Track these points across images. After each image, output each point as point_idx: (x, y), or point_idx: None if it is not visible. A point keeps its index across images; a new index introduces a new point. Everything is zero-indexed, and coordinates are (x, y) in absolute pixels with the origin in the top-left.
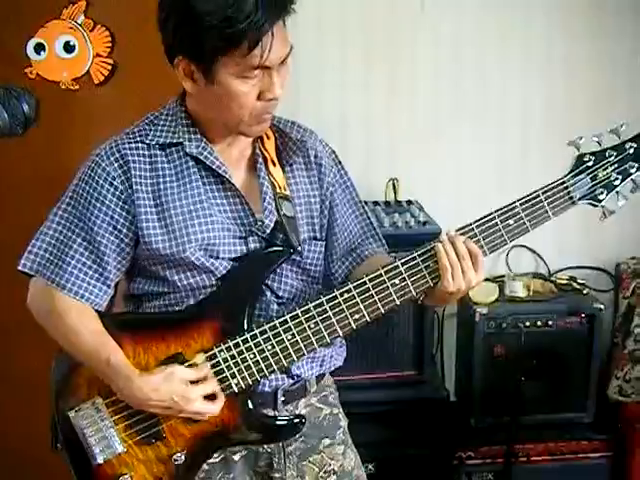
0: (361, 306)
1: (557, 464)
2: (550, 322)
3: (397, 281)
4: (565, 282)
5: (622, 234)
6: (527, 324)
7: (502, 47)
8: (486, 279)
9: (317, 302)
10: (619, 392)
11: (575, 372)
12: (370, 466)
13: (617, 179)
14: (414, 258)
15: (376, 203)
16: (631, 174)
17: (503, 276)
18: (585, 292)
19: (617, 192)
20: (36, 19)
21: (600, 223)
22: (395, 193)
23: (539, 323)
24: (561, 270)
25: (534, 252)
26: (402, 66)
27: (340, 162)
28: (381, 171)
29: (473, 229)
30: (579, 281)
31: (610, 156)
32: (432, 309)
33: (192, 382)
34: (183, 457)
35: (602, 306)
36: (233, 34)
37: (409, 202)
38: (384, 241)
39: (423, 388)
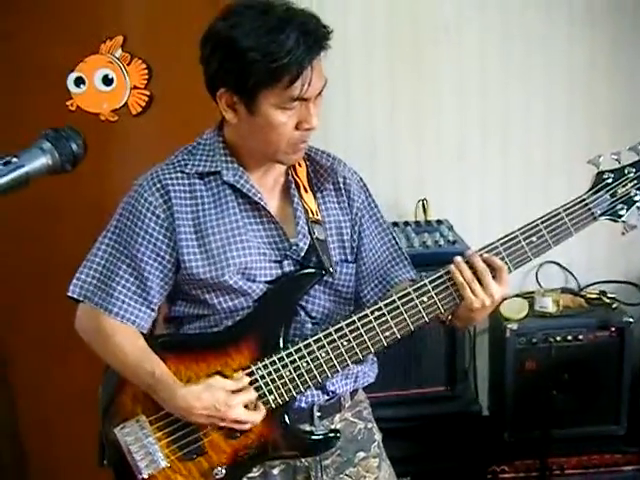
0: (391, 323)
1: (591, 477)
2: (580, 336)
3: (425, 299)
4: (595, 296)
5: None
6: (557, 339)
7: (525, 67)
8: (516, 295)
9: (349, 321)
10: None
11: (607, 385)
12: None
13: (637, 195)
14: (441, 276)
15: (407, 223)
16: None
17: (533, 292)
18: (614, 306)
19: (638, 207)
20: (76, 54)
21: (628, 237)
22: (425, 213)
23: (569, 337)
24: (590, 285)
25: (563, 268)
26: (427, 89)
27: (368, 189)
28: (411, 192)
29: (497, 247)
30: (609, 295)
31: (629, 173)
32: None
33: (233, 392)
34: (224, 471)
35: (631, 319)
36: (276, 68)
37: (439, 222)
38: (412, 265)
39: (456, 403)
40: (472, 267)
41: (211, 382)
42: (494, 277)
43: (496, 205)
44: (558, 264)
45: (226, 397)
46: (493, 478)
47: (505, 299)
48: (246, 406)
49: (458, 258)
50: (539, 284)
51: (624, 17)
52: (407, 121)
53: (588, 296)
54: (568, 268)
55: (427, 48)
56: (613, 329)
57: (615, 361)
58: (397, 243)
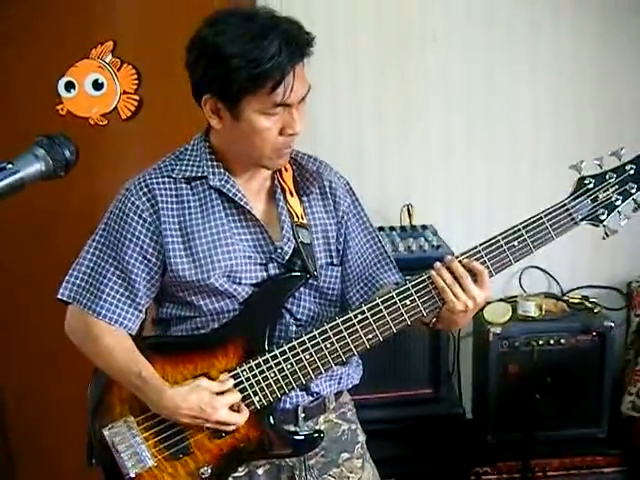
0: (374, 326)
1: (572, 479)
2: (562, 340)
3: (408, 302)
4: (577, 301)
5: (634, 253)
6: (540, 342)
7: (511, 75)
8: (499, 299)
9: (333, 324)
10: (632, 407)
11: (588, 388)
12: None
13: (618, 200)
14: (423, 280)
15: (392, 228)
16: (632, 194)
17: (516, 296)
18: (596, 311)
19: (619, 212)
20: (66, 59)
21: (611, 243)
22: (410, 218)
23: (551, 341)
24: (573, 290)
25: (547, 273)
26: (414, 96)
27: (354, 193)
28: (396, 197)
29: (479, 251)
30: (591, 300)
31: (610, 178)
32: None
33: (217, 394)
34: (209, 471)
35: (612, 324)
36: (259, 74)
37: (424, 227)
38: (397, 268)
39: (439, 406)
40: (452, 272)
41: (197, 383)
42: (475, 281)
43: (481, 210)
44: (541, 269)
45: (211, 399)
46: (476, 479)
47: (488, 303)
48: (231, 407)
49: (438, 264)
50: (522, 289)
51: (611, 17)
52: (393, 128)
53: (571, 301)
54: (551, 273)
55: (414, 55)
56: (595, 333)
57: (597, 365)
58: (383, 246)
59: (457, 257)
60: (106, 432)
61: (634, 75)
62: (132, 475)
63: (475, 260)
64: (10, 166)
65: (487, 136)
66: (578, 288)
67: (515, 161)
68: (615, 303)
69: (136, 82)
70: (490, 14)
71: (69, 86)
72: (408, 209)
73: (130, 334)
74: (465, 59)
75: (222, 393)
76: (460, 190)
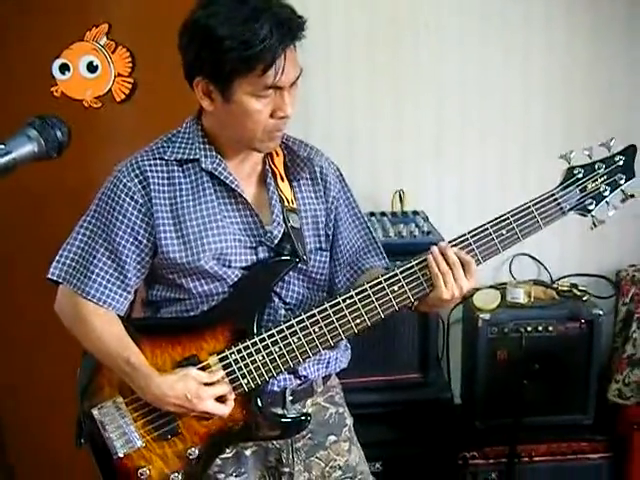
0: (362, 311)
1: (559, 464)
2: (550, 327)
3: (396, 288)
4: (566, 289)
5: (623, 242)
6: (528, 329)
7: (503, 62)
8: (489, 286)
9: (321, 308)
10: (619, 395)
11: (576, 375)
12: (377, 465)
13: (606, 190)
14: (412, 267)
15: (383, 214)
16: (620, 185)
17: (506, 283)
18: (585, 299)
19: (607, 202)
20: (61, 41)
21: (601, 233)
22: (402, 204)
23: (540, 328)
24: (563, 277)
25: (537, 260)
26: (406, 82)
27: (344, 179)
28: (388, 183)
29: (468, 239)
30: (580, 288)
31: (599, 168)
32: (436, 315)
33: (206, 384)
34: (197, 452)
35: (601, 312)
36: (250, 56)
37: (415, 213)
38: (384, 254)
39: (428, 390)
40: (446, 259)
41: (185, 373)
42: (464, 271)
43: (472, 196)
44: (532, 257)
45: (198, 389)
46: (463, 464)
47: (478, 289)
48: (218, 398)
49: (436, 250)
50: (512, 276)
51: (603, 6)
52: (385, 114)
53: (560, 288)
54: (541, 261)
55: (406, 42)
56: (583, 321)
57: (584, 352)
58: (371, 232)
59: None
60: (95, 412)
61: (626, 63)
62: (120, 455)
63: (464, 248)
64: (2, 147)
65: (479, 123)
66: (567, 276)
67: (506, 148)
68: (604, 291)
69: (130, 65)
70: (483, 3)
71: (64, 68)
72: (400, 195)
73: (120, 315)
74: (457, 46)
75: (210, 384)
76: (452, 176)
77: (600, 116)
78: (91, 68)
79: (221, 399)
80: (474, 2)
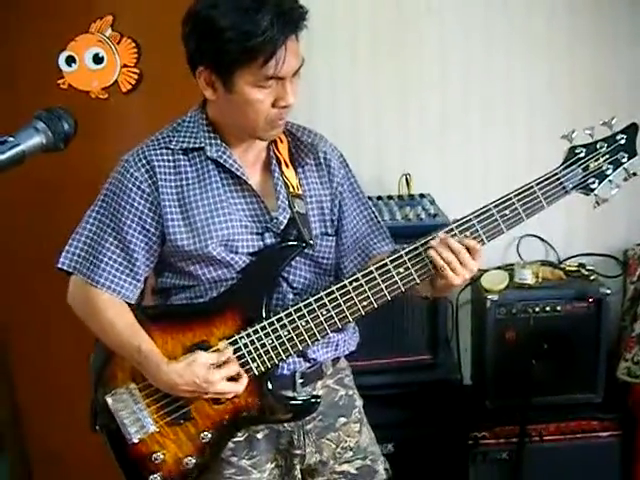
0: (369, 293)
1: (568, 443)
2: (558, 307)
3: (402, 270)
4: (574, 269)
5: (630, 221)
6: (536, 309)
7: (507, 45)
8: (497, 267)
9: (328, 291)
10: (628, 373)
11: (584, 354)
12: (390, 446)
13: (609, 169)
14: (417, 248)
15: (390, 197)
16: (623, 163)
17: (513, 264)
18: (592, 278)
19: (610, 181)
20: (67, 33)
21: (608, 212)
22: (408, 187)
23: (548, 308)
24: (570, 257)
25: (544, 241)
26: (411, 65)
27: (348, 165)
28: (394, 167)
29: (471, 220)
30: (588, 268)
31: (601, 147)
32: (445, 298)
33: (216, 366)
34: (210, 435)
35: (608, 291)
36: (251, 47)
37: (422, 195)
38: (390, 238)
39: (437, 372)
40: (450, 248)
41: (192, 359)
42: (470, 254)
43: (478, 179)
44: (539, 237)
45: (206, 373)
46: (474, 444)
47: (486, 271)
48: (230, 377)
49: (435, 242)
50: (520, 257)
51: None
52: (391, 98)
53: (567, 269)
54: (549, 241)
55: (409, 25)
56: (591, 300)
57: (592, 331)
58: (376, 217)
59: (451, 228)
60: (109, 399)
61: (628, 45)
62: (135, 441)
63: (468, 229)
64: (11, 139)
65: (483, 105)
66: (575, 256)
67: (511, 130)
68: (611, 271)
69: (136, 55)
70: None
71: (70, 60)
72: (406, 178)
73: (130, 304)
74: (462, 30)
75: (220, 365)
76: (458, 159)
77: (604, 96)
78: (97, 60)
79: (233, 378)
80: None
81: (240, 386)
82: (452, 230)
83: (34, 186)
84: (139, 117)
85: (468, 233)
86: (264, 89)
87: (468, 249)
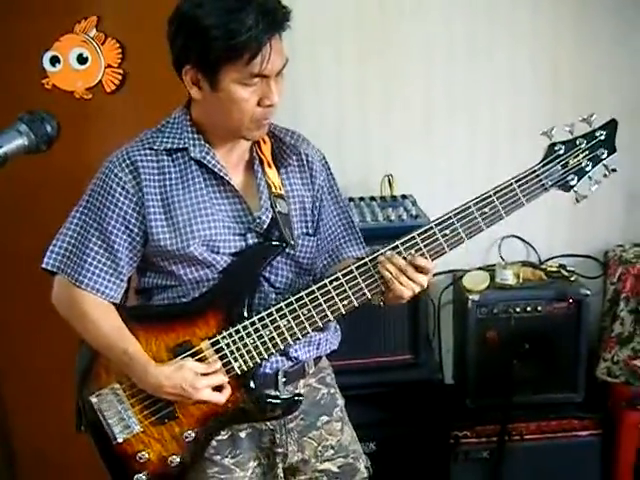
0: (349, 292)
1: (549, 442)
2: (539, 307)
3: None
4: (555, 270)
5: (610, 223)
6: (517, 310)
7: (490, 46)
8: (479, 268)
9: (309, 290)
10: (607, 373)
11: (565, 354)
12: (372, 445)
13: (588, 165)
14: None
15: (373, 198)
16: (602, 160)
17: (494, 265)
18: (573, 279)
19: (589, 177)
20: (51, 33)
21: (589, 213)
22: (391, 188)
23: (528, 308)
24: (551, 258)
25: (526, 242)
26: (394, 67)
27: (329, 168)
28: (377, 168)
29: (451, 217)
30: (568, 268)
31: (581, 144)
32: (426, 297)
33: (202, 374)
34: (193, 434)
35: (588, 291)
36: (236, 45)
37: (404, 197)
38: (364, 243)
39: (418, 371)
40: (396, 265)
41: (182, 363)
42: (420, 271)
43: (461, 180)
44: (520, 238)
45: (193, 379)
46: (455, 443)
47: (467, 271)
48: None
49: (382, 258)
50: (502, 258)
51: None
52: (374, 99)
53: (548, 269)
54: (530, 242)
55: (394, 26)
56: (571, 301)
57: (573, 331)
58: (352, 221)
59: (396, 245)
60: (94, 399)
61: (610, 44)
62: (120, 440)
63: (448, 227)
64: None
65: (467, 107)
66: (556, 257)
67: (494, 131)
68: (592, 271)
69: (120, 56)
70: None
71: (54, 60)
72: (389, 179)
73: (114, 303)
74: (445, 31)
75: (207, 373)
76: (440, 160)
77: (586, 96)
78: (81, 60)
79: (217, 388)
80: None
81: (222, 397)
82: (397, 247)
83: (18, 186)
84: (123, 117)
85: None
86: (249, 87)
87: (416, 267)
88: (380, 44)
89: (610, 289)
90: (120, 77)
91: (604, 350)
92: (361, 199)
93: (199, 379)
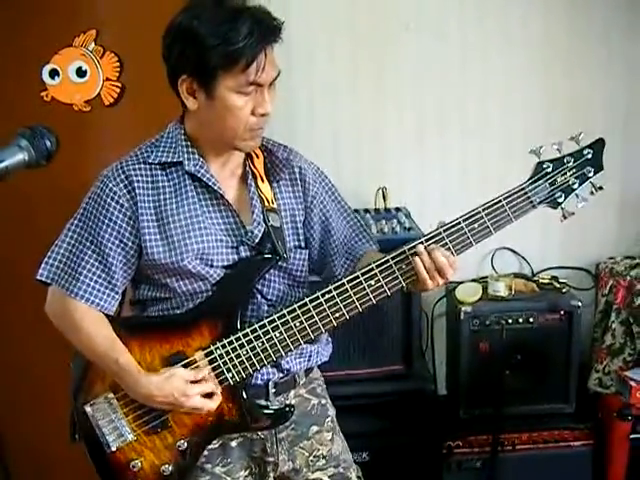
0: (341, 305)
1: (541, 452)
2: (531, 319)
3: (373, 282)
4: (547, 281)
5: (602, 236)
6: (509, 321)
7: (483, 60)
8: (472, 280)
9: (301, 303)
10: (599, 384)
11: (556, 365)
12: (365, 455)
13: (575, 183)
14: (387, 261)
15: (367, 211)
16: (589, 178)
17: (487, 277)
18: (565, 290)
19: (576, 195)
20: (50, 47)
21: (581, 226)
22: (385, 201)
23: (520, 320)
24: (544, 270)
25: (518, 254)
26: (388, 81)
27: (326, 176)
28: (371, 180)
29: (441, 233)
30: (560, 280)
31: (568, 162)
32: (419, 309)
33: (192, 382)
34: (186, 444)
35: (580, 303)
36: (232, 52)
37: (397, 209)
38: (374, 239)
39: (411, 382)
40: (432, 259)
41: (172, 372)
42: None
43: (453, 193)
44: (513, 250)
45: (184, 387)
46: (448, 453)
47: (460, 283)
48: (205, 395)
49: (421, 247)
50: (494, 270)
51: (579, 3)
52: (368, 112)
53: (540, 281)
54: (522, 254)
55: (388, 43)
56: (562, 312)
57: (564, 342)
58: (359, 220)
59: (420, 241)
60: (88, 408)
61: (602, 65)
62: (113, 449)
63: (437, 242)
64: None
65: (459, 120)
66: (548, 269)
67: (486, 145)
68: (584, 283)
69: (118, 69)
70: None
71: (53, 73)
72: (382, 192)
73: (108, 315)
74: (438, 45)
75: (197, 382)
76: (434, 173)
77: (578, 111)
78: (80, 73)
79: (208, 395)
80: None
81: (213, 404)
82: (422, 243)
83: (15, 196)
84: (121, 130)
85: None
86: (244, 96)
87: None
88: (374, 58)
89: (602, 301)
90: (118, 90)
91: (596, 361)
92: (355, 211)
93: (190, 387)
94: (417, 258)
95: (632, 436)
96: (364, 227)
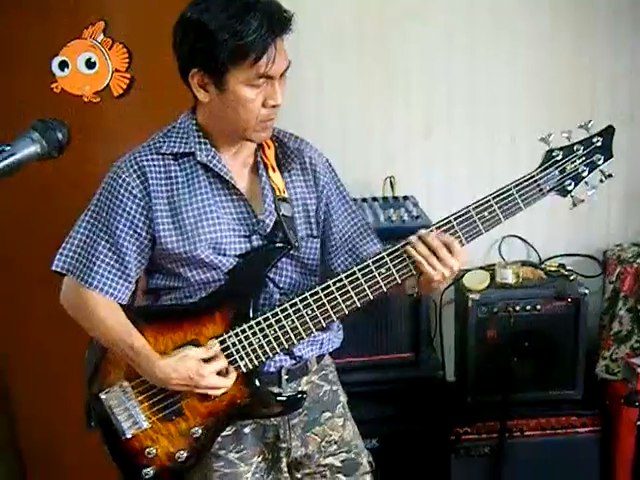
0: (352, 293)
1: (548, 438)
2: (538, 306)
3: (383, 270)
4: (554, 269)
5: (610, 223)
6: (517, 308)
7: (490, 51)
8: (479, 267)
9: (313, 291)
10: (606, 371)
11: (564, 352)
12: (374, 441)
13: (585, 171)
14: (398, 249)
15: (375, 199)
16: (598, 165)
17: (495, 264)
18: (572, 278)
19: (586, 183)
20: (60, 39)
21: (588, 213)
22: (393, 190)
23: (528, 307)
24: (551, 258)
25: (526, 242)
26: (396, 70)
27: (334, 169)
28: (379, 169)
29: (451, 221)
30: (568, 268)
31: (577, 150)
32: (428, 297)
33: (205, 361)
34: (200, 431)
35: (587, 290)
36: (243, 46)
37: (405, 198)
38: (378, 239)
39: (420, 369)
40: (427, 245)
41: (184, 353)
42: (449, 251)
43: (461, 181)
44: (521, 238)
45: (198, 367)
46: (456, 439)
47: (468, 271)
48: (219, 372)
49: (413, 238)
50: (502, 257)
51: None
52: (376, 102)
53: (548, 269)
54: (530, 242)
55: (396, 31)
56: (570, 300)
57: (571, 329)
58: (363, 219)
59: (430, 229)
60: (103, 396)
61: (608, 46)
62: (128, 436)
63: (447, 230)
64: (8, 148)
65: (466, 109)
66: (556, 256)
67: (494, 133)
68: (591, 271)
69: (127, 61)
70: None
71: (63, 65)
72: (390, 181)
73: (122, 304)
74: (446, 35)
75: (209, 360)
76: (442, 162)
77: (585, 101)
78: (89, 64)
79: (222, 373)
80: None
81: (229, 381)
82: (432, 231)
83: (27, 189)
84: (130, 120)
85: (447, 234)
86: (255, 88)
87: (446, 245)
88: (382, 48)
89: (609, 288)
90: (127, 81)
91: (603, 348)
92: (363, 200)
93: (203, 366)
94: (408, 246)
95: (639, 422)
96: (369, 226)
